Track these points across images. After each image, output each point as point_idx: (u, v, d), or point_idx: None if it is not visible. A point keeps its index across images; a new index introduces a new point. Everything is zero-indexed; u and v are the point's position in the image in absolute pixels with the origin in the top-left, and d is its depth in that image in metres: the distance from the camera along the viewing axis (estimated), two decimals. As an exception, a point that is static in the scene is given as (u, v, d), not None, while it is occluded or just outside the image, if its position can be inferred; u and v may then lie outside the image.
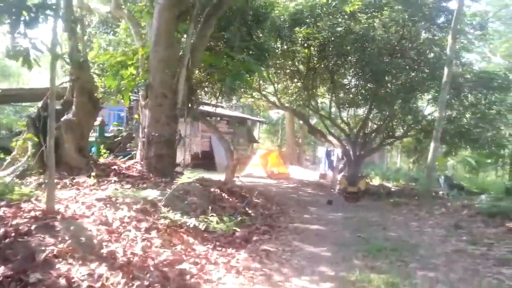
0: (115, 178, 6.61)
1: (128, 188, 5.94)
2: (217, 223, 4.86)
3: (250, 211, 7.40)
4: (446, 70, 9.50)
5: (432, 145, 9.65)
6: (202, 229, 4.78)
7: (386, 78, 12.76)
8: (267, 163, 19.98)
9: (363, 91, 14.50)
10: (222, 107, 30.22)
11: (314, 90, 15.52)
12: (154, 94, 7.50)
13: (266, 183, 15.14)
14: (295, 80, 15.53)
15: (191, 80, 8.29)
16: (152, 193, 5.37)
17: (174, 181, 6.91)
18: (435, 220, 7.64)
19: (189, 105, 8.72)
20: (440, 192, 15.58)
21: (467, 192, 15.49)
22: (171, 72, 7.51)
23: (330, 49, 12.54)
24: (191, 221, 4.69)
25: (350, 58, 12.87)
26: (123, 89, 8.11)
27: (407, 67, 12.71)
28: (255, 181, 15.81)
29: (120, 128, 9.86)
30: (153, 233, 4.66)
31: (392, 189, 15.91)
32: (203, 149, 22.37)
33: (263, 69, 10.18)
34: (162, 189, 6.06)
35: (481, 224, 7.16)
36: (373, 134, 16.69)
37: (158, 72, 7.46)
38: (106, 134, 11.19)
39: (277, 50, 13.35)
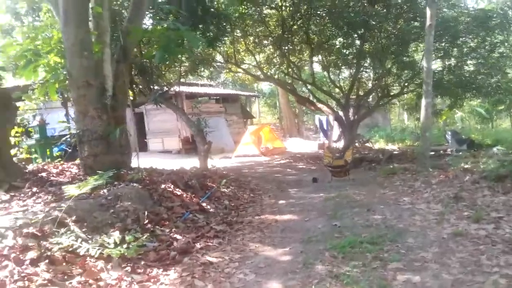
0: (35, 189, 5.46)
1: (38, 203, 4.80)
2: (116, 245, 3.66)
3: (208, 207, 6.22)
4: (428, 11, 7.98)
5: (423, 101, 8.26)
6: (95, 256, 3.59)
7: (368, 31, 11.24)
8: (259, 139, 18.75)
9: (347, 49, 13.00)
10: (210, 85, 28.99)
11: (292, 56, 14.06)
12: (75, 84, 6.24)
13: (255, 162, 14.00)
14: (272, 47, 14.08)
15: (127, 60, 6.97)
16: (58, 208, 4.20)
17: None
18: (432, 192, 6.36)
19: (132, 90, 7.45)
20: (449, 150, 14.24)
21: (478, 146, 14.14)
22: (91, 54, 6.22)
23: (301, 5, 11.02)
24: (86, 246, 3.51)
25: (320, 12, 11.32)
26: (50, 81, 6.85)
27: (392, 17, 11.16)
28: (245, 161, 14.70)
29: (69, 125, 8.67)
30: (42, 266, 3.51)
31: (395, 152, 14.63)
32: (192, 132, 21.14)
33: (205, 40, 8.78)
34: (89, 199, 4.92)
35: (487, 191, 5.87)
36: (365, 96, 15.27)
37: (75, 57, 6.17)
38: (54, 134, 10.04)
39: (245, 17, 11.88)
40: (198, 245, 4.66)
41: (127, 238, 3.76)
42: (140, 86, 11.04)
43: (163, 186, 6.45)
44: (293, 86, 17.63)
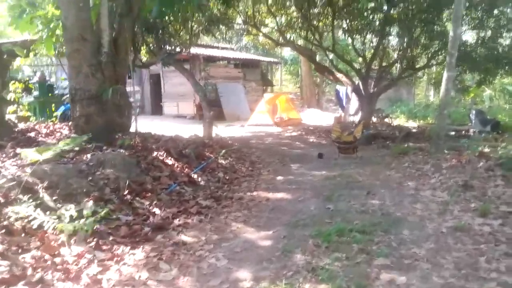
0: (18, 150, 5.25)
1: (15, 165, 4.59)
2: (72, 219, 3.38)
3: (200, 179, 5.92)
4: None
5: (444, 74, 7.55)
6: (49, 230, 3.34)
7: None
8: (274, 109, 18.22)
9: (373, 14, 12.11)
10: (232, 49, 28.29)
11: (314, 20, 13.27)
12: (69, 37, 5.90)
13: (266, 133, 13.58)
14: (295, 8, 13.30)
15: (131, 15, 6.53)
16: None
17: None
18: (440, 178, 5.86)
19: (132, 49, 7.07)
20: (471, 130, 13.43)
21: (503, 129, 13.27)
22: (88, 6, 5.84)
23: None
24: (42, 218, 3.25)
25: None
26: (45, 34, 6.54)
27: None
28: (257, 131, 14.31)
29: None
30: (-4, 237, 3.30)
31: (413, 130, 13.92)
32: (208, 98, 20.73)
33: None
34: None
35: (500, 181, 5.34)
36: (388, 67, 14.40)
37: (70, 8, 5.80)
38: (61, 91, 9.79)
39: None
40: (176, 221, 4.39)
41: (85, 212, 3.45)
42: (151, 46, 10.62)
43: (155, 153, 6.18)
44: (313, 53, 16.86)
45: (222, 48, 25.68)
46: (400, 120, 19.45)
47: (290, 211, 4.89)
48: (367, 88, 13.91)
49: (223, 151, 7.47)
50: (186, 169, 6.06)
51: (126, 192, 4.68)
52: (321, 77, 28.04)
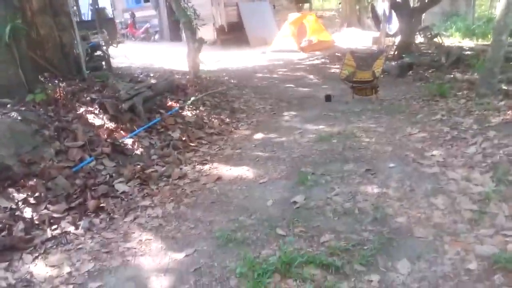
0: None
1: None
2: None
3: (136, 146, 4.32)
4: None
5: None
6: None
7: None
8: (300, 31, 15.69)
9: None
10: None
11: None
12: None
13: (284, 61, 11.56)
14: None
15: None
16: None
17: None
18: (484, 145, 3.82)
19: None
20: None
21: None
22: None
23: None
24: None
25: None
26: None
27: None
28: (275, 59, 12.26)
29: None
30: None
31: (466, 53, 11.21)
32: (229, 20, 18.46)
33: None
34: None
35: None
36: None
37: None
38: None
39: None
40: (49, 232, 2.90)
41: None
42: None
43: (81, 110, 4.60)
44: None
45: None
46: (454, 39, 16.27)
47: (235, 207, 3.23)
48: (408, 2, 11.16)
49: (192, 98, 5.75)
50: (122, 132, 4.46)
51: (-7, 180, 3.21)
52: (363, -10, 24.23)
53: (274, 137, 4.89)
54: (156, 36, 20.48)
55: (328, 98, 6.45)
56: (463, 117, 4.69)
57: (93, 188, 3.48)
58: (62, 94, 4.75)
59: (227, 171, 3.94)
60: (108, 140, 4.15)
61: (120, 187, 3.59)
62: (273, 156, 4.24)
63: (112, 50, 9.77)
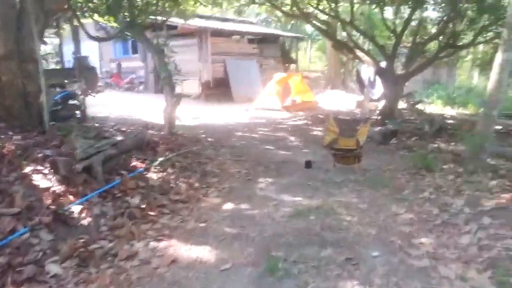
0: None
1: None
2: None
3: (83, 215, 3.74)
4: None
5: (498, 57, 4.95)
6: None
7: None
8: (285, 90, 15.68)
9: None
10: (251, 23, 25.72)
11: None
12: None
13: (267, 120, 11.34)
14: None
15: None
16: None
17: None
18: (479, 233, 3.39)
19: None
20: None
21: None
22: None
23: None
24: None
25: None
26: None
27: None
28: (258, 116, 12.03)
29: None
30: None
31: (448, 121, 11.18)
32: (215, 76, 18.50)
33: None
34: None
35: None
36: (422, 45, 11.57)
37: None
38: None
39: None
40: None
41: None
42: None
43: (29, 169, 4.06)
44: (332, 27, 14.18)
45: (239, 22, 23.22)
46: (435, 107, 16.48)
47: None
48: (392, 69, 11.23)
49: (160, 159, 5.27)
50: (71, 196, 3.90)
51: None
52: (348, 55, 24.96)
53: (245, 208, 4.38)
54: (141, 87, 20.38)
55: (308, 164, 6.03)
56: (452, 197, 4.28)
57: (17, 269, 2.87)
58: (10, 149, 4.22)
59: (186, 251, 3.38)
60: (51, 207, 3.58)
61: (52, 268, 2.99)
62: (241, 233, 3.70)
63: (91, 99, 9.39)
